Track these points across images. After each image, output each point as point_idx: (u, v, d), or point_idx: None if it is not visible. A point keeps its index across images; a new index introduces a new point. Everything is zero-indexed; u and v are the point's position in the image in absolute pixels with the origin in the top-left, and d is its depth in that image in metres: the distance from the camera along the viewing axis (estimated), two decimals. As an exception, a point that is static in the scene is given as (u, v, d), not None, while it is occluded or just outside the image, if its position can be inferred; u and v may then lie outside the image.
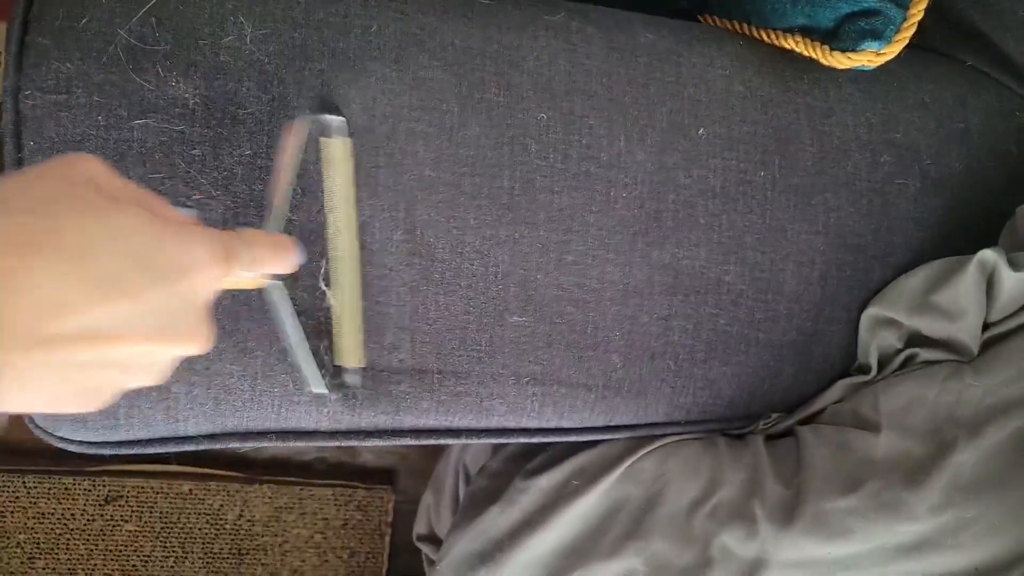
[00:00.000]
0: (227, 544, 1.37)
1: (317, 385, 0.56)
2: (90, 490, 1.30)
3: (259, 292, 0.55)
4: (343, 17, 0.61)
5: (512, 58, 0.64)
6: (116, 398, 0.36)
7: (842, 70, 0.67)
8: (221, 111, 0.59)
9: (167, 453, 0.63)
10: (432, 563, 1.00)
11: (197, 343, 0.37)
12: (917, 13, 0.63)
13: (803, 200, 0.67)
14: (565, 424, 0.68)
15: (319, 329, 0.58)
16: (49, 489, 1.29)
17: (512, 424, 0.67)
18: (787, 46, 0.68)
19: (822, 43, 0.66)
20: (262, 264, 0.43)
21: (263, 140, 0.59)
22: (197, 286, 0.36)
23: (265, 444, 0.63)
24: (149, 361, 0.35)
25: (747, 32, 0.71)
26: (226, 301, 0.59)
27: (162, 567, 1.35)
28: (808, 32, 0.67)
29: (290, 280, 0.54)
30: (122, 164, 0.57)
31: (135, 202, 0.36)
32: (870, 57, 0.64)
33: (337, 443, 0.64)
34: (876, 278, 0.69)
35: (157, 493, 1.33)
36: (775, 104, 0.68)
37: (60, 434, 0.59)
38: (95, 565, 1.31)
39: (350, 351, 0.58)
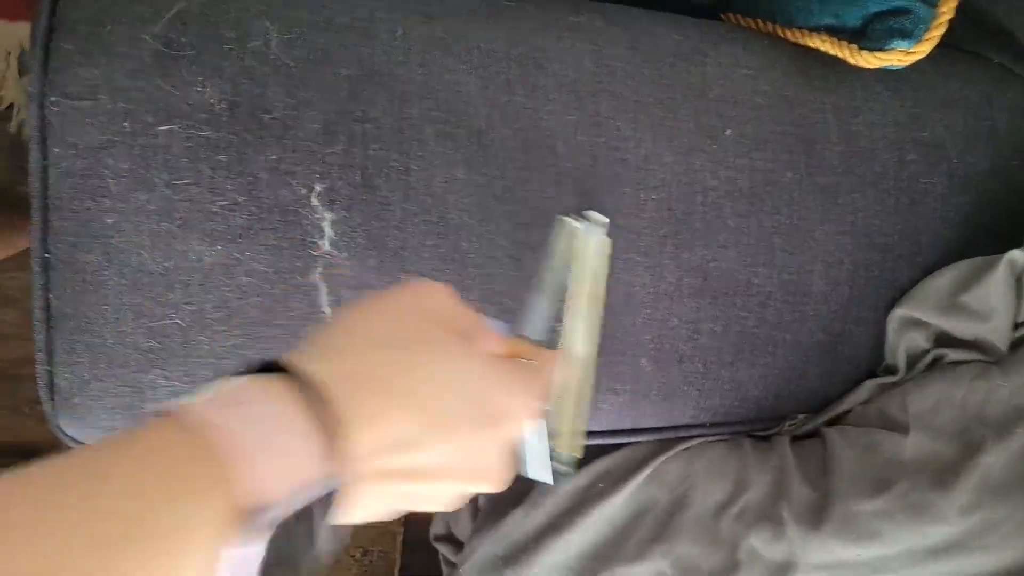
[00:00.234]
0: (240, 543, 1.37)
1: (543, 474, 0.55)
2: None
3: None
4: (368, 21, 0.61)
5: (538, 60, 0.63)
6: (402, 514, 0.37)
7: (868, 69, 0.67)
8: (247, 116, 0.58)
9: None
10: (450, 564, 1.00)
11: (496, 483, 0.38)
12: (947, 11, 0.63)
13: (830, 200, 0.67)
14: (591, 427, 0.67)
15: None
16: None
17: (539, 428, 0.66)
18: (813, 45, 0.68)
19: (850, 42, 0.65)
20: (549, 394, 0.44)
21: (288, 145, 0.59)
22: (510, 429, 0.37)
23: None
24: (452, 494, 0.37)
25: (772, 31, 0.70)
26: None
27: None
28: (835, 31, 0.66)
29: None
30: (148, 170, 0.57)
31: (468, 333, 0.38)
32: (899, 56, 0.63)
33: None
34: (904, 278, 0.69)
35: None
36: (801, 104, 0.67)
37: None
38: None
39: (570, 441, 0.57)
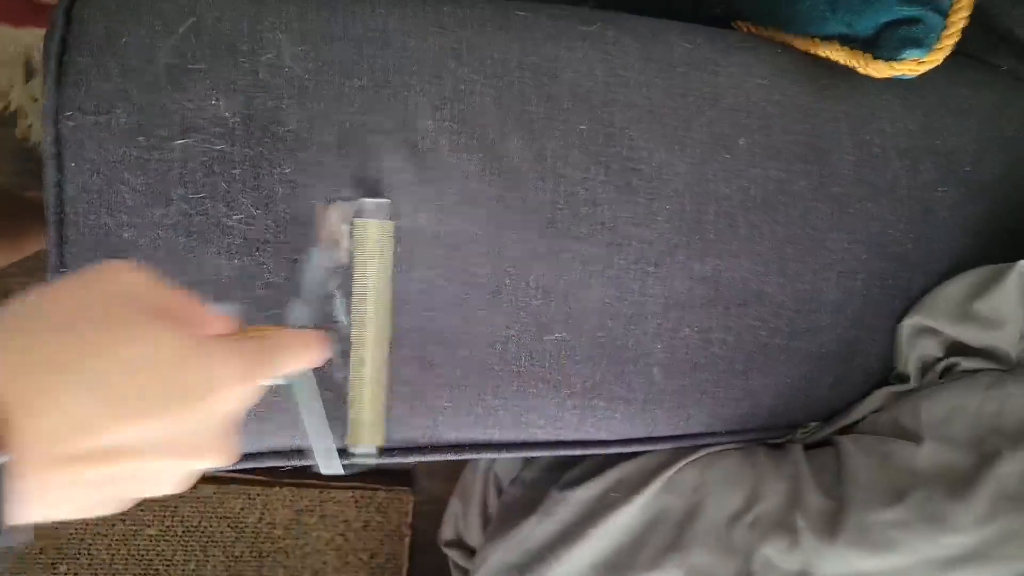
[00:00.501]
0: (248, 547, 1.38)
1: (332, 467, 0.55)
2: (112, 496, 1.30)
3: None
4: (381, 32, 0.61)
5: (550, 69, 0.63)
6: (136, 502, 0.36)
7: (880, 78, 0.66)
8: (261, 129, 0.58)
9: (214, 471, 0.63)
10: (460, 569, 1.00)
11: (220, 457, 0.37)
12: (959, 20, 0.63)
13: (843, 209, 0.67)
14: (604, 436, 0.67)
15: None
16: (71, 495, 1.29)
17: (551, 437, 0.66)
18: (825, 54, 0.68)
19: (862, 51, 0.65)
20: (288, 368, 0.43)
21: (303, 158, 0.59)
22: (220, 404, 0.36)
23: (309, 463, 0.63)
24: (171, 474, 0.36)
25: (783, 40, 0.70)
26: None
27: (183, 571, 1.35)
28: (847, 40, 0.66)
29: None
30: (163, 185, 0.57)
31: (171, 314, 0.36)
32: (912, 66, 0.63)
33: (379, 459, 0.64)
34: (916, 286, 0.69)
35: (178, 497, 1.33)
36: (814, 113, 0.67)
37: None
38: (117, 570, 1.31)
39: (369, 431, 0.57)
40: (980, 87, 0.73)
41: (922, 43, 0.63)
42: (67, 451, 0.31)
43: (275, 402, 0.60)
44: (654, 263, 0.63)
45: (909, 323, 0.69)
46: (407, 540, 1.43)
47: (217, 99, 0.57)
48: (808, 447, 0.72)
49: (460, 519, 1.02)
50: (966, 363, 0.67)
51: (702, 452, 0.70)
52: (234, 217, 0.58)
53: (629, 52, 0.65)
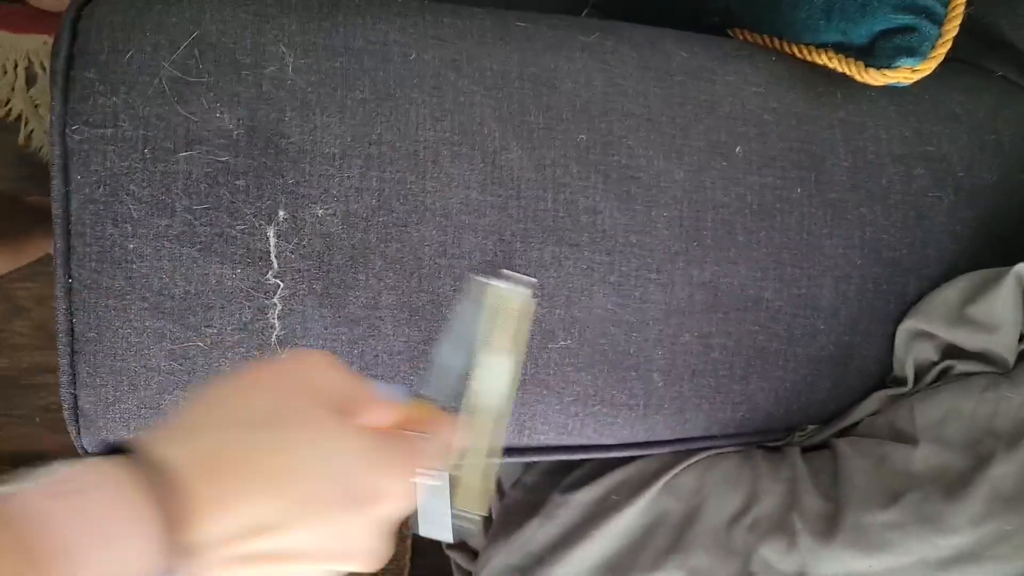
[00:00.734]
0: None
1: (443, 533, 0.53)
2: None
3: None
4: (382, 45, 0.62)
5: (549, 80, 0.64)
6: None
7: (875, 85, 0.67)
8: (264, 141, 0.59)
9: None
10: (462, 570, 1.01)
11: (370, 563, 0.37)
12: (952, 29, 0.64)
13: (839, 215, 0.68)
14: (605, 441, 0.68)
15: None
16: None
17: (554, 442, 0.67)
18: (820, 62, 0.68)
19: (856, 59, 0.66)
20: (438, 464, 0.43)
21: (306, 169, 0.59)
22: (387, 509, 0.36)
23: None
24: (321, 573, 0.36)
25: (779, 47, 0.71)
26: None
27: None
28: (842, 48, 0.67)
29: None
30: (168, 196, 0.58)
31: (350, 407, 0.37)
32: (906, 74, 0.64)
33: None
34: (911, 291, 0.70)
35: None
36: (809, 120, 0.68)
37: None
38: None
39: (476, 499, 0.57)
40: (973, 93, 0.73)
41: (916, 51, 0.63)
42: (239, 552, 0.31)
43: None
44: (655, 270, 0.64)
45: (905, 327, 0.70)
46: (408, 541, 1.44)
47: (221, 112, 0.58)
48: (805, 450, 0.73)
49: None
50: (961, 366, 0.68)
51: (701, 455, 0.71)
52: (237, 227, 0.59)
53: (627, 62, 0.66)
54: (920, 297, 0.70)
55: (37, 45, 1.30)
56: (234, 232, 0.59)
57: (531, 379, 0.63)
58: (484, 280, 0.53)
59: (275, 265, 0.59)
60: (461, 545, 1.03)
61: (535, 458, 0.68)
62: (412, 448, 0.39)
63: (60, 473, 0.29)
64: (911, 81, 0.65)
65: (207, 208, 0.58)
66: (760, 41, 0.73)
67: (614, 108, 0.65)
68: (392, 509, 0.37)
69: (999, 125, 0.73)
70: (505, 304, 0.54)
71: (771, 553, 0.65)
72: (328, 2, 0.63)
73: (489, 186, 0.62)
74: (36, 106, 1.29)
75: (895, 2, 0.63)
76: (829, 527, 0.64)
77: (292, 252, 0.59)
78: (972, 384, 0.66)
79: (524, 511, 0.76)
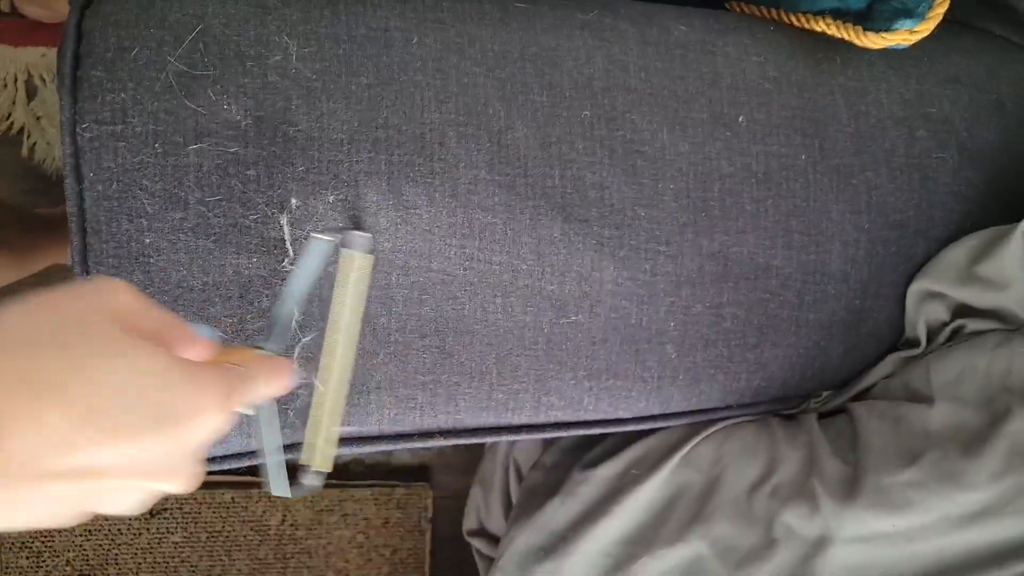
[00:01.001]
0: (272, 550, 1.39)
1: (281, 489, 0.55)
2: (135, 505, 1.32)
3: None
4: (384, 31, 0.62)
5: (551, 58, 0.65)
6: (90, 517, 0.36)
7: (874, 49, 0.68)
8: (272, 130, 0.60)
9: (242, 468, 0.64)
10: (485, 557, 1.01)
11: (185, 482, 0.37)
12: (949, -12, 0.64)
13: (844, 180, 0.68)
14: (621, 415, 0.69)
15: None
16: (95, 506, 1.31)
17: (570, 418, 0.68)
18: (819, 29, 0.69)
19: (855, 24, 0.66)
20: (259, 396, 0.44)
21: (315, 156, 0.60)
22: (195, 431, 0.36)
23: (333, 452, 0.64)
24: (134, 495, 0.36)
25: (776, 17, 0.72)
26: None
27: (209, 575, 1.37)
28: (839, 14, 0.67)
29: None
30: (181, 189, 0.58)
31: (157, 335, 0.37)
32: (904, 36, 0.65)
33: (402, 445, 0.65)
34: (920, 252, 0.70)
35: (201, 504, 1.35)
36: (810, 87, 0.69)
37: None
38: (144, 578, 1.33)
39: (321, 456, 0.59)
40: (972, 54, 0.74)
41: (913, 13, 0.64)
42: (40, 469, 0.31)
43: (297, 393, 0.61)
44: (664, 242, 0.65)
45: (915, 288, 0.70)
46: (427, 534, 1.45)
47: (228, 103, 0.59)
48: (821, 416, 0.73)
49: (482, 508, 1.03)
50: (973, 324, 0.69)
51: (718, 426, 0.71)
52: (250, 217, 0.60)
53: (627, 37, 0.67)
54: (928, 258, 0.70)
55: (35, 58, 1.31)
56: (247, 222, 0.59)
57: (545, 355, 0.64)
58: (323, 237, 0.56)
59: (291, 252, 0.59)
60: (481, 531, 1.04)
61: (552, 434, 0.68)
62: (226, 375, 0.39)
63: None
64: (910, 43, 0.65)
65: (220, 199, 0.59)
66: (757, 12, 0.73)
67: (616, 84, 0.65)
68: (204, 433, 0.37)
69: (999, 85, 0.73)
70: (345, 262, 0.58)
71: (793, 518, 0.66)
72: (328, -9, 0.64)
73: (496, 165, 0.62)
74: (38, 118, 1.30)
75: (891, -35, 0.63)
76: (850, 490, 0.65)
77: (307, 238, 0.60)
78: (985, 341, 0.67)
79: (545, 491, 0.77)
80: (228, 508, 1.36)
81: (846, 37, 0.67)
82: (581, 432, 0.68)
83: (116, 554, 1.31)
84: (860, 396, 0.73)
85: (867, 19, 0.66)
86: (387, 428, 0.64)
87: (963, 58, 0.73)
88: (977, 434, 0.63)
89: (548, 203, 0.63)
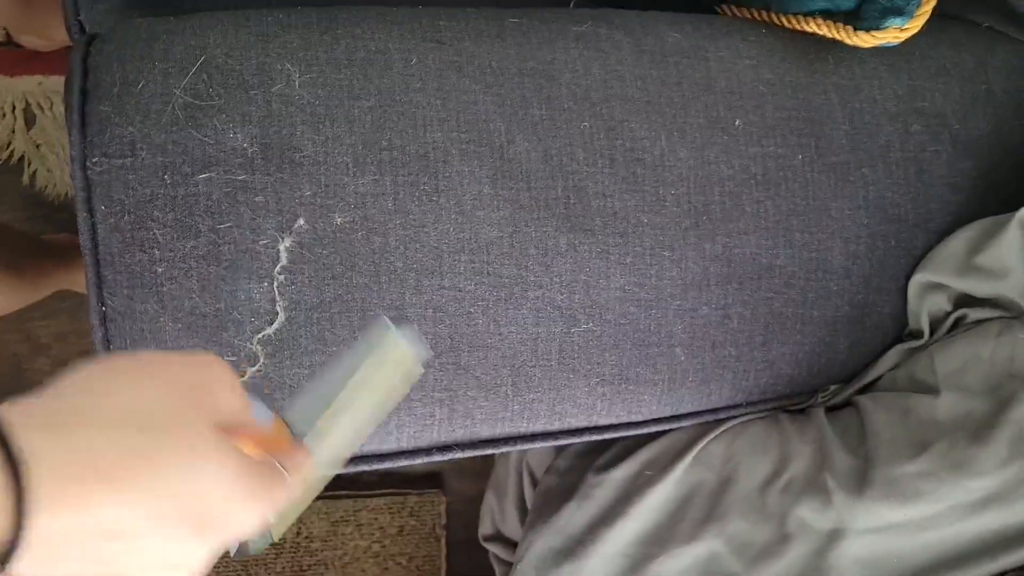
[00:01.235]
0: (289, 563, 1.40)
1: (231, 548, 0.55)
2: (151, 525, 1.33)
3: None
4: (383, 53, 0.63)
5: (548, 72, 0.66)
6: None
7: (864, 47, 0.69)
8: (279, 156, 0.61)
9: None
10: (502, 562, 1.02)
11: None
12: (936, -15, 0.65)
13: (842, 177, 0.69)
14: (634, 418, 0.70)
15: None
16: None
17: (584, 423, 0.69)
18: (810, 30, 0.70)
19: (845, 24, 0.68)
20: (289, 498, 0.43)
21: (321, 180, 0.61)
22: (227, 541, 0.37)
23: (355, 469, 0.65)
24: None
25: (767, 19, 0.73)
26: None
27: (227, 592, 1.38)
28: (829, 14, 0.69)
29: None
30: (191, 218, 0.59)
31: (228, 424, 0.36)
32: (895, 34, 0.66)
33: (420, 460, 0.66)
34: (919, 245, 0.71)
35: (216, 521, 1.36)
36: (804, 87, 0.70)
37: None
38: (164, 597, 1.33)
39: (276, 527, 0.57)
40: (961, 46, 0.75)
41: (903, 11, 0.65)
42: (83, 550, 0.31)
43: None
44: (668, 247, 0.66)
45: (916, 280, 0.71)
46: (443, 540, 1.46)
47: (234, 132, 0.60)
48: (829, 410, 0.75)
49: (497, 513, 1.04)
50: (975, 314, 0.70)
51: (728, 424, 0.72)
52: (260, 242, 0.61)
53: (622, 47, 0.68)
54: (928, 250, 0.71)
55: (32, 86, 1.32)
56: (258, 247, 0.60)
57: (557, 365, 0.65)
58: (387, 324, 0.51)
59: (283, 260, 0.60)
60: (497, 536, 1.05)
61: (567, 441, 0.70)
62: (274, 482, 0.38)
63: None
64: (900, 40, 0.66)
65: (230, 227, 0.60)
66: (749, 15, 0.74)
67: (614, 94, 0.66)
68: (235, 537, 0.37)
69: (989, 75, 0.74)
70: (395, 356, 0.52)
71: (807, 512, 0.67)
72: (326, 16, 0.65)
73: (500, 180, 0.63)
74: (38, 146, 1.30)
75: (878, -36, 0.64)
76: (861, 482, 0.66)
77: (316, 261, 0.61)
78: (987, 330, 0.68)
79: (560, 495, 0.78)
80: (244, 524, 1.37)
81: (837, 37, 0.68)
82: (595, 437, 0.70)
83: (135, 575, 1.32)
84: (867, 389, 0.74)
85: (857, 18, 0.67)
86: (407, 444, 0.65)
87: (952, 50, 0.74)
88: (984, 422, 0.64)
89: (552, 215, 0.64)
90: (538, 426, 0.67)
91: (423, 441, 0.66)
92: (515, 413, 0.66)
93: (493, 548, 1.05)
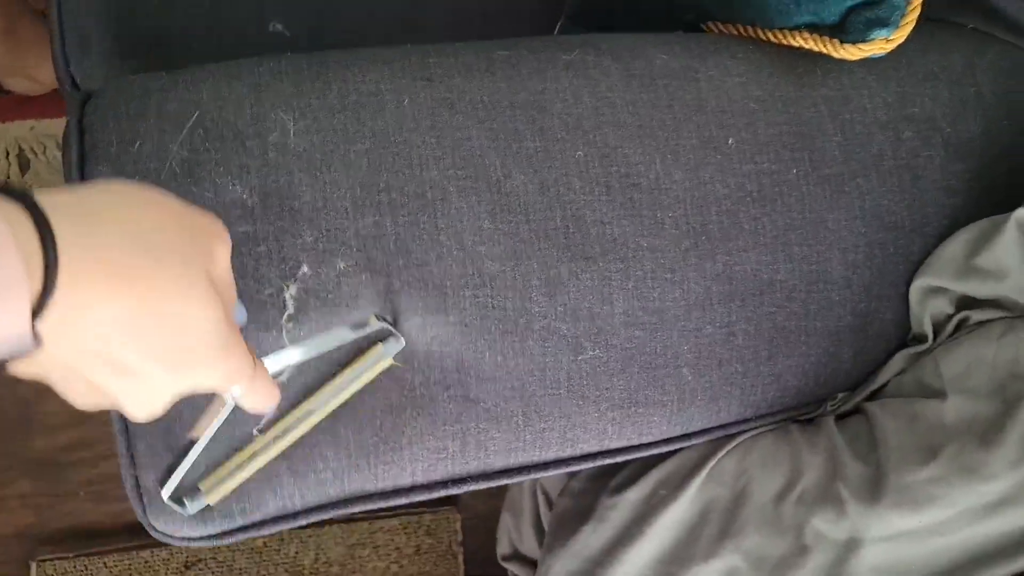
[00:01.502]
0: (309, 589, 1.41)
1: (169, 485, 0.59)
2: (169, 559, 1.34)
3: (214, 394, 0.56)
4: (375, 95, 0.64)
5: (539, 103, 0.66)
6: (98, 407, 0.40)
7: (852, 60, 0.69)
8: (278, 205, 0.61)
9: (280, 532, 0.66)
10: (520, 581, 1.03)
11: (138, 414, 0.40)
12: (919, -6, 0.66)
13: (837, 189, 0.70)
14: (645, 440, 0.70)
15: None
16: (130, 565, 1.32)
17: (596, 448, 0.69)
18: (796, 44, 0.70)
19: (831, 37, 0.68)
20: (246, 401, 0.49)
21: (322, 225, 0.62)
22: (204, 383, 0.41)
23: (370, 506, 0.66)
24: (99, 400, 0.39)
25: (754, 35, 0.73)
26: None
27: (249, 621, 1.38)
28: (815, 28, 0.69)
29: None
30: (196, 272, 0.60)
31: (223, 294, 0.41)
32: (881, 45, 0.66)
33: (436, 494, 0.67)
34: (917, 250, 0.72)
35: (233, 551, 1.36)
36: (794, 102, 0.70)
37: (183, 535, 0.62)
38: (184, 630, 1.34)
39: (219, 492, 0.60)
40: (948, 49, 0.75)
41: (888, 22, 0.65)
42: (82, 349, 0.34)
43: (327, 455, 0.63)
44: (669, 269, 0.66)
45: (917, 285, 0.72)
46: (460, 557, 1.47)
47: (233, 184, 0.60)
48: (839, 418, 0.75)
49: (514, 532, 1.05)
50: (977, 315, 0.70)
51: (739, 439, 0.73)
52: (265, 292, 0.61)
53: (611, 73, 0.68)
54: (926, 255, 0.72)
55: (24, 132, 1.32)
56: (263, 297, 0.61)
57: (567, 393, 0.65)
58: (373, 320, 0.61)
59: (290, 308, 0.61)
60: (515, 555, 1.05)
61: (580, 467, 0.70)
62: (246, 357, 0.43)
63: None
64: (887, 51, 0.67)
65: (234, 278, 0.60)
66: (735, 32, 0.75)
67: (606, 121, 0.67)
68: (204, 386, 0.41)
69: (977, 77, 0.75)
70: (372, 348, 0.61)
71: (822, 523, 0.67)
72: (317, 62, 0.65)
73: (499, 214, 0.64)
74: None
75: (860, -23, 0.65)
76: (874, 491, 0.66)
77: (322, 307, 0.61)
78: (990, 332, 0.68)
79: (576, 517, 0.78)
80: (261, 553, 1.38)
81: (824, 50, 0.69)
82: (608, 461, 0.70)
83: (155, 608, 1.33)
84: (874, 395, 0.74)
85: (843, 31, 0.67)
86: (421, 478, 0.65)
87: (939, 54, 0.75)
88: (992, 424, 0.65)
89: (553, 245, 0.64)
90: (550, 454, 0.68)
91: (437, 475, 0.66)
92: (527, 443, 0.66)
93: (512, 568, 1.05)
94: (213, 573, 1.35)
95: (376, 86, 0.64)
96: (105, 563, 1.31)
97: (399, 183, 0.63)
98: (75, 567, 1.31)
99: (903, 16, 0.66)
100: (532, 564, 1.02)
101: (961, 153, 0.73)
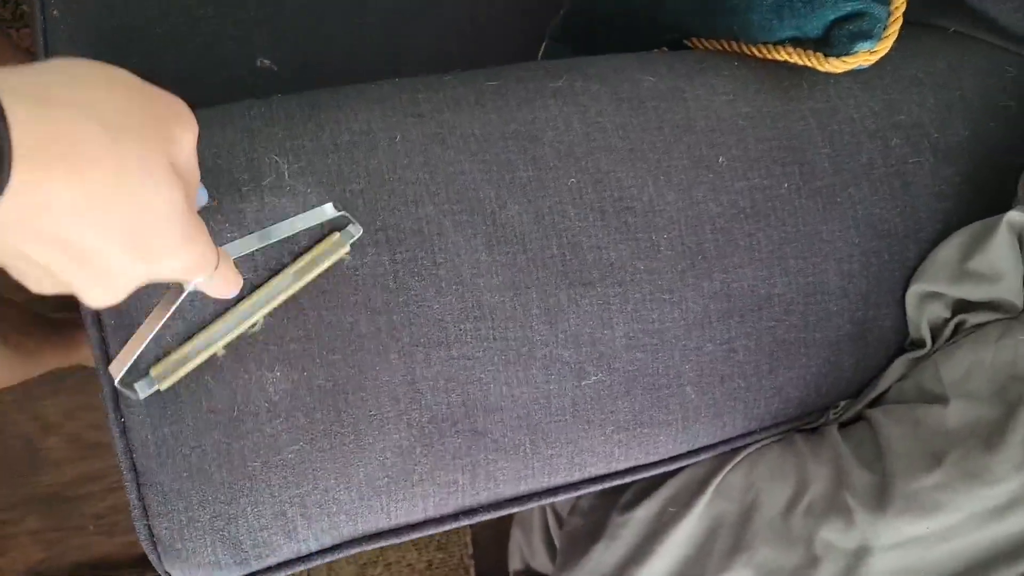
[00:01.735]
0: (323, 611, 1.41)
1: (117, 370, 0.57)
2: (183, 591, 1.34)
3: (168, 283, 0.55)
4: (367, 134, 0.64)
5: (530, 133, 0.67)
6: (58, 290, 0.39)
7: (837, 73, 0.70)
8: (278, 250, 0.62)
9: None
10: (535, 597, 1.04)
11: (96, 301, 0.39)
12: (901, 5, 0.66)
13: (829, 200, 0.70)
14: (652, 459, 0.71)
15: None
16: (142, 599, 1.33)
17: (603, 471, 0.70)
18: (781, 58, 0.71)
19: (815, 51, 0.68)
20: (209, 288, 0.49)
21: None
22: (168, 272, 0.40)
23: (383, 543, 0.66)
24: (61, 280, 0.38)
25: (738, 50, 0.74)
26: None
27: (266, 646, 1.38)
28: (799, 43, 0.69)
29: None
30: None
31: (186, 180, 0.40)
32: (865, 57, 0.67)
33: (447, 526, 0.67)
34: (912, 256, 0.72)
35: (247, 579, 1.37)
36: (782, 116, 0.71)
37: (197, 583, 0.62)
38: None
39: (171, 372, 0.59)
40: (931, 54, 0.76)
41: (871, 35, 0.66)
42: (34, 225, 0.33)
43: (339, 497, 0.63)
44: (667, 290, 0.67)
45: (913, 291, 0.72)
46: (471, 571, 1.47)
47: (231, 233, 0.61)
48: (842, 425, 0.76)
49: (525, 548, 1.06)
50: (974, 318, 0.71)
51: (744, 453, 0.74)
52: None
53: (600, 98, 0.69)
54: (921, 260, 0.72)
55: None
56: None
57: (572, 419, 0.66)
58: (331, 207, 0.61)
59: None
60: (528, 571, 1.06)
61: (588, 489, 0.71)
62: (208, 244, 0.42)
63: None
64: (871, 63, 0.67)
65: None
66: (720, 47, 0.75)
67: (597, 146, 0.67)
68: (166, 276, 0.41)
69: (961, 80, 0.75)
70: (329, 236, 0.62)
71: (831, 533, 0.68)
72: (307, 103, 0.66)
73: (495, 245, 0.64)
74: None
75: (840, -9, 0.65)
76: (881, 499, 0.67)
77: (324, 346, 0.62)
78: (987, 335, 0.69)
79: (587, 536, 0.79)
80: None
81: (808, 64, 0.69)
82: (616, 482, 0.71)
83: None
84: (877, 401, 0.75)
85: (826, 45, 0.68)
86: (433, 512, 0.66)
87: (922, 60, 0.75)
88: (995, 427, 0.65)
89: (550, 273, 0.65)
90: (559, 479, 0.68)
91: (448, 508, 0.67)
92: (536, 470, 0.67)
93: (525, 584, 1.06)
94: (227, 600, 1.36)
95: (368, 125, 0.65)
96: (117, 597, 1.32)
97: (395, 220, 0.63)
98: (89, 602, 1.31)
99: (885, 28, 0.66)
100: (544, 579, 1.02)
101: (950, 157, 0.73)
